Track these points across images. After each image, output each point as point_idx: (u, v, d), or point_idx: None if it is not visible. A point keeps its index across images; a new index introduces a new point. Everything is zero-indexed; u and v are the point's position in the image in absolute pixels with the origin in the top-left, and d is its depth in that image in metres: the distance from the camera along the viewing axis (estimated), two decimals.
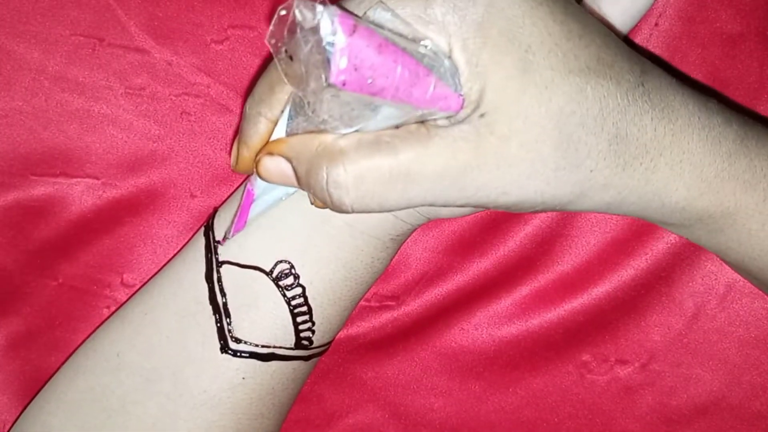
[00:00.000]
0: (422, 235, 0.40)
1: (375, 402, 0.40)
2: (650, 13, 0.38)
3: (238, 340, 0.32)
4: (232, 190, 0.38)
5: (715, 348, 0.39)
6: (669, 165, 0.28)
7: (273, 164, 0.27)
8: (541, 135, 0.25)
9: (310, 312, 0.33)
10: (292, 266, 0.32)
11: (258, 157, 0.28)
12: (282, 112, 0.28)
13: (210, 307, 0.33)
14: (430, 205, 0.26)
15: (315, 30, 0.22)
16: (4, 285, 0.38)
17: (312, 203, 0.29)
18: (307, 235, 0.32)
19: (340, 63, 0.22)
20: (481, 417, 0.40)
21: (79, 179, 0.38)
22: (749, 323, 0.39)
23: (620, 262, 0.39)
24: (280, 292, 0.32)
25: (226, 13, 0.38)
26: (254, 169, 0.29)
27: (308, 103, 0.25)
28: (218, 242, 0.33)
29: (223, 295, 0.33)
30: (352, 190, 0.25)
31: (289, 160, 0.27)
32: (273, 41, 0.23)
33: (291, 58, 0.23)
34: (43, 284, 0.39)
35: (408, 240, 0.39)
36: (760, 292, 0.38)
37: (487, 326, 0.40)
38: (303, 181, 0.27)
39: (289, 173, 0.27)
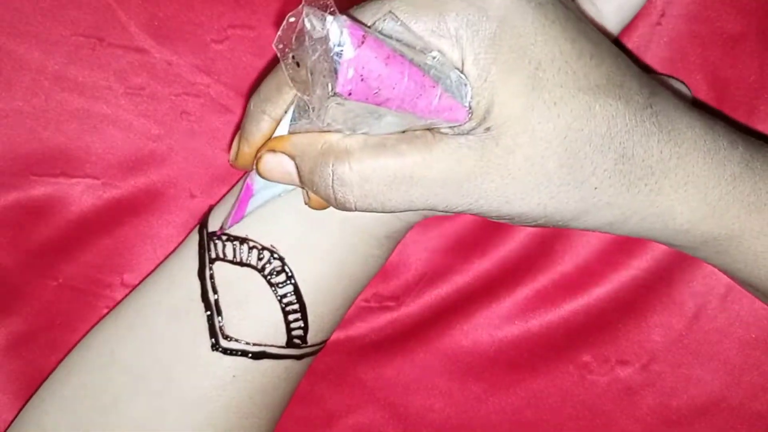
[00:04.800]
0: (422, 235, 0.40)
1: (375, 403, 0.40)
2: (652, 12, 0.38)
3: (229, 338, 0.32)
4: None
5: (716, 348, 0.39)
6: (673, 188, 0.28)
7: (275, 161, 0.28)
8: (547, 150, 0.25)
9: (302, 310, 0.33)
10: (285, 263, 0.32)
11: (259, 154, 0.28)
12: (285, 112, 0.28)
13: (202, 305, 0.33)
14: (431, 209, 0.27)
15: (323, 40, 0.22)
16: (4, 285, 0.38)
17: (306, 203, 0.29)
18: (301, 232, 0.32)
19: (347, 74, 0.22)
20: (482, 418, 0.40)
21: (79, 179, 0.38)
22: (750, 324, 0.39)
23: (620, 262, 0.39)
24: (272, 289, 0.32)
25: (226, 13, 0.38)
26: (254, 166, 0.29)
27: (313, 108, 0.25)
28: (214, 234, 0.33)
29: (215, 292, 0.33)
30: (357, 189, 0.26)
31: (292, 157, 0.27)
32: (281, 46, 0.23)
33: (298, 64, 0.24)
34: (43, 284, 0.39)
35: (408, 240, 0.39)
36: None
37: (488, 327, 0.40)
38: (306, 178, 0.27)
39: (291, 171, 0.27)
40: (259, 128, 0.28)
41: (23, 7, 0.37)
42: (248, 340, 0.33)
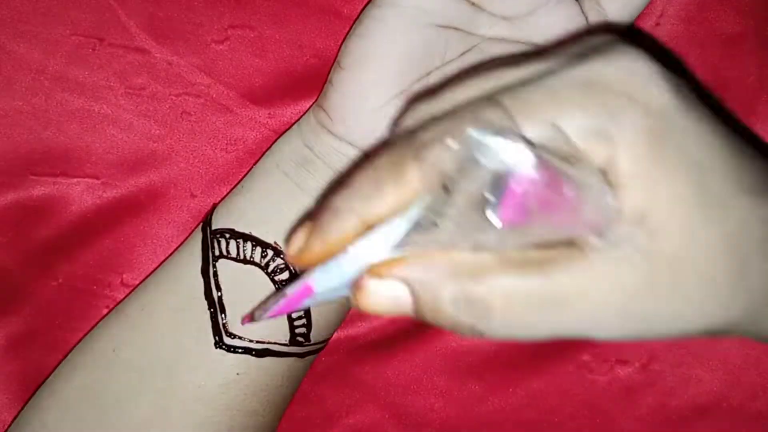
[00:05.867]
0: None
1: (375, 402, 0.40)
2: (650, 13, 0.38)
3: (232, 336, 0.32)
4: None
5: (715, 348, 0.39)
6: None
7: (384, 289, 0.23)
8: (717, 260, 0.23)
9: (305, 308, 0.33)
10: None
11: (360, 283, 0.23)
12: (390, 223, 0.23)
13: (205, 302, 0.33)
14: (583, 336, 0.23)
15: (487, 163, 0.20)
16: (4, 285, 0.38)
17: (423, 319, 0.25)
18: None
19: (518, 198, 0.20)
20: (482, 417, 0.40)
21: (79, 179, 0.38)
22: None
23: None
24: (276, 287, 0.32)
25: (226, 13, 0.38)
26: (323, 266, 0.24)
27: (453, 237, 0.21)
28: (218, 231, 0.33)
29: (219, 289, 0.33)
30: (499, 314, 0.22)
31: (406, 282, 0.22)
32: (431, 174, 0.21)
33: (446, 190, 0.21)
34: (43, 284, 0.38)
35: None
36: None
37: None
38: (429, 307, 0.22)
39: (405, 299, 0.22)
40: (341, 227, 0.23)
41: (23, 7, 0.37)
42: (252, 338, 0.33)
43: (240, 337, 0.32)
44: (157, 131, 0.38)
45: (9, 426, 0.36)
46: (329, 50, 0.38)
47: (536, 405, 0.40)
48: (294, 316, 0.33)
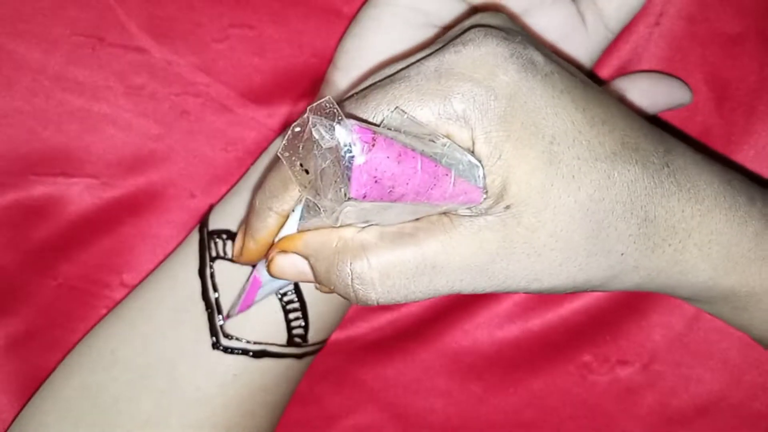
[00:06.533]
0: None
1: (375, 403, 0.40)
2: (651, 12, 0.38)
3: (230, 337, 0.32)
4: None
5: (716, 348, 0.39)
6: (697, 246, 0.27)
7: (287, 262, 0.27)
8: (571, 224, 0.25)
9: (302, 309, 0.33)
10: None
11: (270, 255, 0.27)
12: (293, 210, 0.27)
13: (203, 303, 0.33)
14: (458, 293, 0.26)
15: (333, 149, 0.22)
16: (4, 285, 0.38)
17: (317, 289, 0.28)
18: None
19: (361, 179, 0.22)
20: (482, 418, 0.40)
21: (78, 179, 0.38)
22: None
23: None
24: None
25: (226, 13, 0.38)
26: (265, 260, 0.28)
27: (324, 210, 0.24)
28: (215, 232, 0.33)
29: (216, 290, 0.33)
30: (378, 285, 0.25)
31: (305, 257, 0.26)
32: (287, 155, 0.23)
33: (307, 171, 0.23)
34: (43, 284, 0.38)
35: None
36: None
37: (488, 327, 0.40)
38: (323, 278, 0.26)
39: (306, 270, 0.27)
40: (265, 224, 0.27)
41: (23, 7, 0.37)
42: (249, 339, 0.33)
43: (237, 339, 0.32)
44: (157, 131, 0.38)
45: (9, 426, 0.36)
46: (329, 50, 0.38)
47: (536, 405, 0.40)
48: (291, 317, 0.33)
